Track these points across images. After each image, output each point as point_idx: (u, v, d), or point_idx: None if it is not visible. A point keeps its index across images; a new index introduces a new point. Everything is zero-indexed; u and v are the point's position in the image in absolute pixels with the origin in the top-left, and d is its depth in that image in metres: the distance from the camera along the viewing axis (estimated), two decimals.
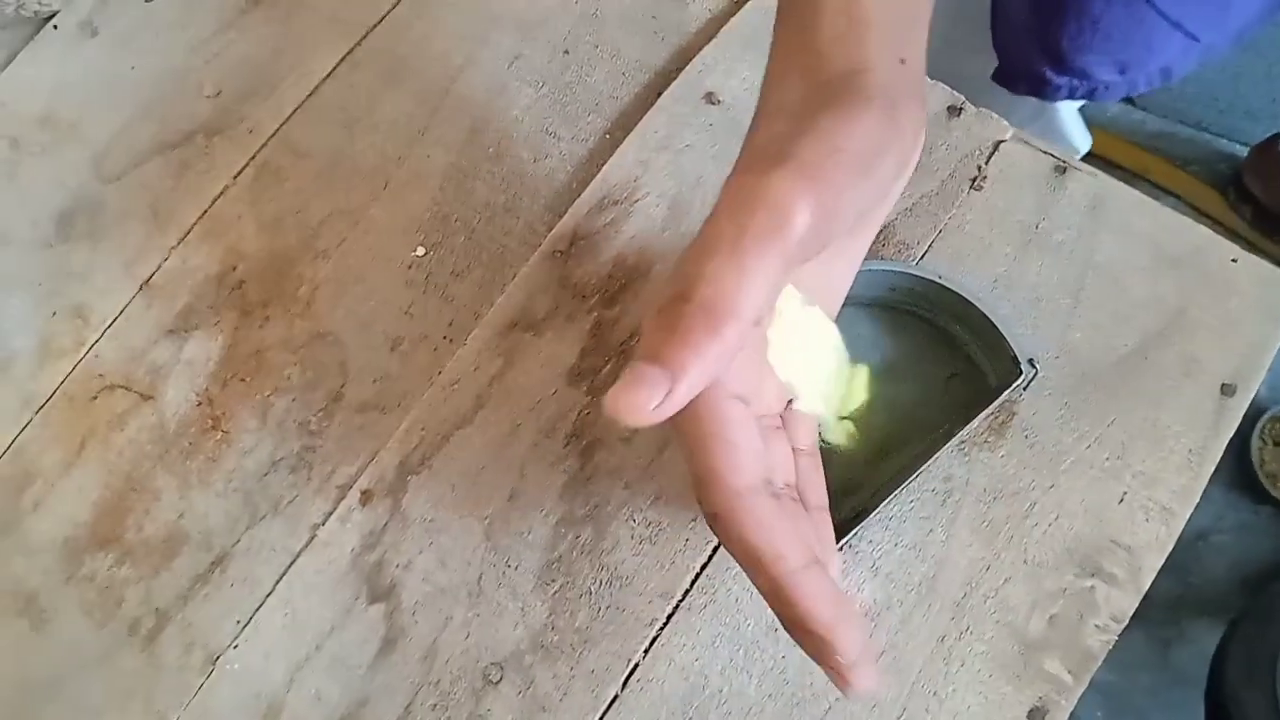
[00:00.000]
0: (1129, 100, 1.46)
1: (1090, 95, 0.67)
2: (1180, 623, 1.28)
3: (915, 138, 0.35)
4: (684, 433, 0.33)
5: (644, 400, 0.28)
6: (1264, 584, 1.27)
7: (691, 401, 0.30)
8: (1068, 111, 0.78)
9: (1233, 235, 1.40)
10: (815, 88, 0.34)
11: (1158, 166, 1.44)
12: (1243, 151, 1.41)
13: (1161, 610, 1.27)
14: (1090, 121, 1.01)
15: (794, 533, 0.32)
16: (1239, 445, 1.29)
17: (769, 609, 0.33)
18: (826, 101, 0.32)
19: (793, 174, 0.30)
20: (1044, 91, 0.67)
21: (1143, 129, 1.47)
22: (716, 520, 0.33)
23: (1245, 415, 1.04)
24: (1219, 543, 1.29)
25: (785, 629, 0.33)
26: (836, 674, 0.32)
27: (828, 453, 0.51)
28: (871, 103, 0.32)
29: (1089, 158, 1.42)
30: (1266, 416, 1.29)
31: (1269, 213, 1.35)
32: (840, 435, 0.50)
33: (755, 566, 0.32)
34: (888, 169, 0.33)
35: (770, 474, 0.37)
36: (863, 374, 0.51)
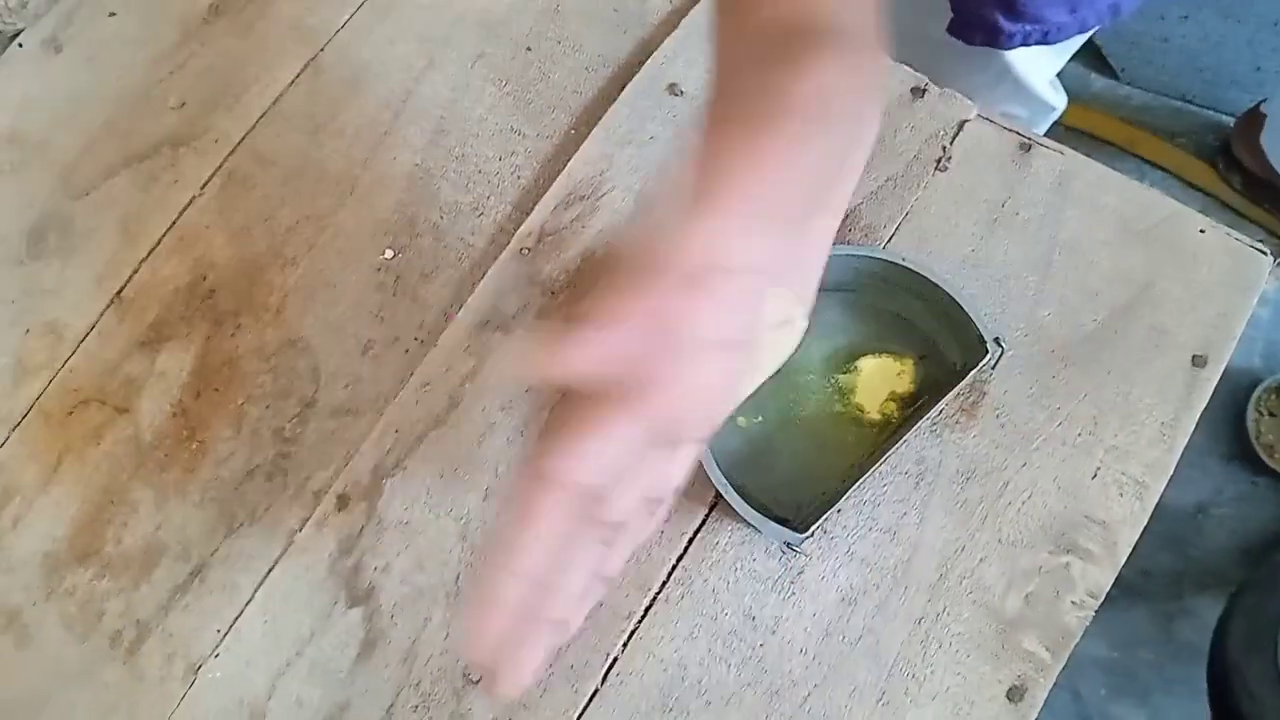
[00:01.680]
0: (1113, 76, 1.46)
1: (1044, 39, 0.66)
2: (1182, 597, 1.27)
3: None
4: None
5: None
6: (1264, 554, 1.27)
7: None
8: (1036, 70, 0.78)
9: (1223, 205, 1.40)
10: None
11: (1145, 140, 1.43)
12: (1229, 121, 1.41)
13: (1163, 585, 1.27)
14: (1075, 97, 1.01)
15: None
16: (1235, 417, 1.28)
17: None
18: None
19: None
20: (998, 40, 0.66)
21: (1128, 103, 1.46)
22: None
23: (1240, 387, 1.03)
24: (1219, 515, 1.29)
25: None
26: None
27: (791, 440, 0.51)
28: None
29: (1075, 133, 1.41)
30: (1261, 388, 1.28)
31: (1258, 180, 1.34)
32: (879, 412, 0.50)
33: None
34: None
35: None
36: (909, 364, 0.51)
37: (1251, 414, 1.28)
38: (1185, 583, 1.28)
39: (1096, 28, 0.67)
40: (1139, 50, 1.40)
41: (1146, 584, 1.29)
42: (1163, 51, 1.39)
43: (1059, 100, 0.83)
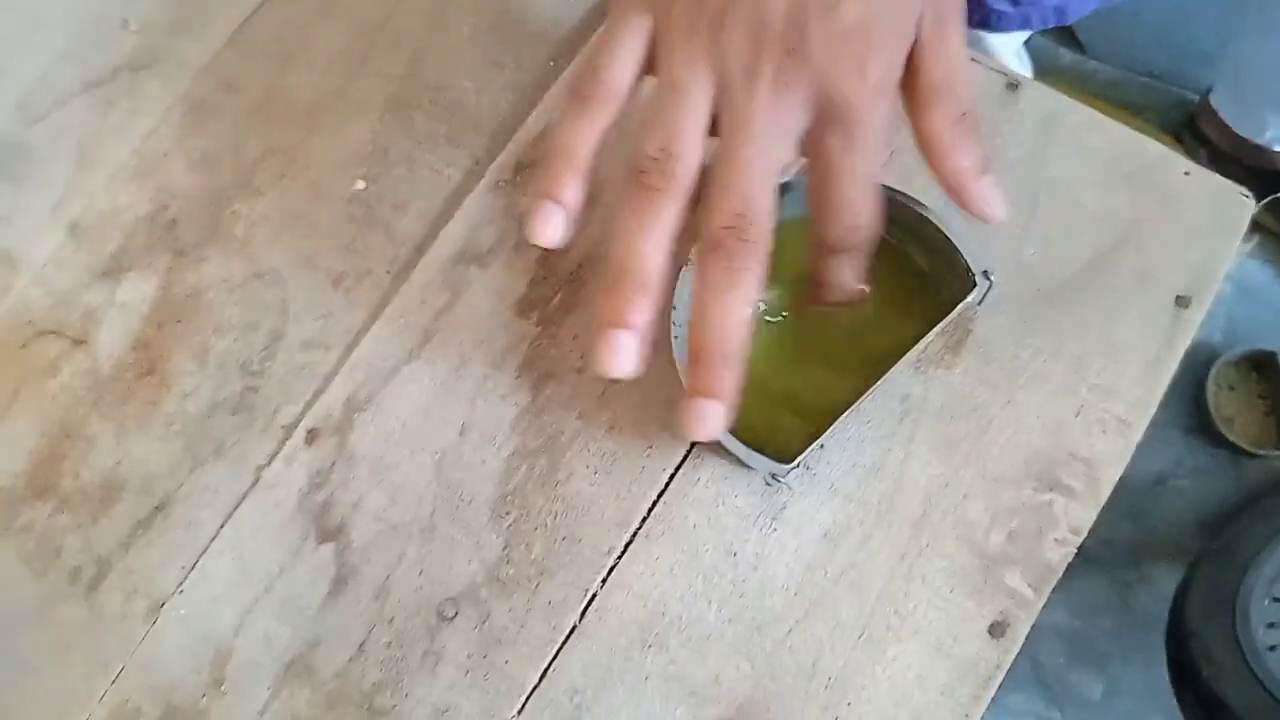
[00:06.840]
0: (1081, 50, 1.47)
1: (984, 24, 0.65)
2: (1141, 566, 1.29)
3: None
4: None
5: None
6: (1222, 525, 1.29)
7: None
8: (1003, 43, 0.78)
9: None
10: None
11: (1112, 115, 1.44)
12: (1194, 97, 1.42)
13: (1122, 555, 1.28)
14: (1043, 72, 1.00)
15: None
16: (1195, 391, 1.30)
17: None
18: None
19: None
20: None
21: (1095, 79, 1.47)
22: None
23: (1200, 361, 1.04)
24: (1177, 487, 1.31)
25: None
26: None
27: (776, 375, 0.50)
28: None
29: None
30: (1221, 361, 1.30)
31: (1223, 154, 1.35)
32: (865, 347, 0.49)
33: None
34: None
35: None
36: (897, 299, 0.50)
37: (1211, 387, 1.30)
38: (1144, 552, 1.30)
39: (1040, 28, 0.66)
40: (1106, 25, 1.41)
41: (1106, 553, 1.30)
42: (1130, 27, 1.40)
43: (1025, 73, 0.83)
